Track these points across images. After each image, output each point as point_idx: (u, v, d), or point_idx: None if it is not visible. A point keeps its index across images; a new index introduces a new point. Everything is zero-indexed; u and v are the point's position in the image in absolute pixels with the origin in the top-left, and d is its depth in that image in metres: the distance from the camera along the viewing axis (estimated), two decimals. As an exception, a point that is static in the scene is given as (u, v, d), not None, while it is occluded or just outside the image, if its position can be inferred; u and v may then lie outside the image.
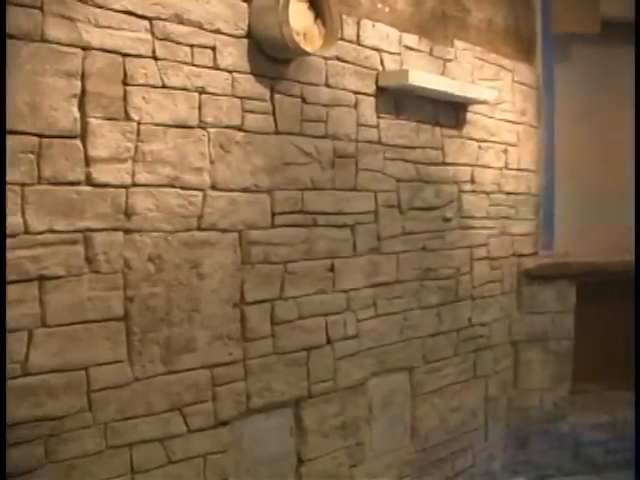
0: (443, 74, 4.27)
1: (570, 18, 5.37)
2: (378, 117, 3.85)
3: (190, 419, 3.03)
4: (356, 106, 3.72)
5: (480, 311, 4.71)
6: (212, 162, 3.04)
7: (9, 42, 2.37)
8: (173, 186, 2.90)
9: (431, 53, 4.20)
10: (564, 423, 5.34)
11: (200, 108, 2.99)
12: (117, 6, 2.68)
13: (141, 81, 2.78)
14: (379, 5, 3.85)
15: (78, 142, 2.59)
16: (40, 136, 2.48)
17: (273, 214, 3.31)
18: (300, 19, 3.26)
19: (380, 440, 4.03)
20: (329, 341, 3.63)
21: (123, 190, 2.73)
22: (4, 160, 2.42)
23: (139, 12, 2.76)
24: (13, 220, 2.43)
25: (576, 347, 5.34)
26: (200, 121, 2.99)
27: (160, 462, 2.94)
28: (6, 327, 2.43)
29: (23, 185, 2.45)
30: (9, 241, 2.41)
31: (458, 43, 4.42)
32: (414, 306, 4.16)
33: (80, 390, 2.65)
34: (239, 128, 3.15)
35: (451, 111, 4.37)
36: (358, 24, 3.72)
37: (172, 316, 2.92)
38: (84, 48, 2.59)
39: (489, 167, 4.73)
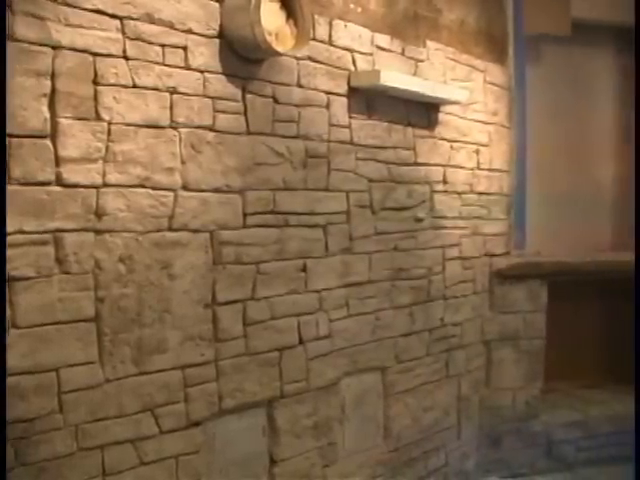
0: (415, 74, 4.28)
1: (541, 19, 5.41)
2: (350, 117, 3.86)
3: (162, 420, 3.02)
4: (328, 106, 3.72)
5: (452, 311, 4.72)
6: (183, 162, 3.03)
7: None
8: (144, 186, 2.88)
9: (403, 53, 4.21)
10: (536, 422, 5.37)
11: (171, 108, 2.98)
12: (87, 5, 2.67)
13: (112, 81, 2.76)
14: (351, 5, 3.85)
15: (48, 142, 2.58)
16: (10, 136, 2.45)
17: (245, 214, 3.30)
18: (272, 19, 3.26)
19: (353, 440, 4.04)
20: (301, 341, 3.63)
21: (94, 190, 2.72)
22: (4, 160, 2.42)
23: (110, 11, 2.74)
24: (-18, 221, 2.41)
25: (548, 346, 5.37)
26: (171, 121, 2.98)
27: (132, 464, 2.93)
28: (6, 327, 2.44)
29: (-8, 185, 2.43)
30: (-22, 242, 2.39)
31: (430, 44, 4.42)
32: (386, 306, 4.16)
33: (51, 392, 2.63)
34: (210, 128, 3.14)
35: (423, 111, 4.38)
36: (330, 24, 3.72)
37: (143, 317, 2.91)
38: (54, 47, 2.57)
39: (461, 167, 4.75)
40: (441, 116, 4.52)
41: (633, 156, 5.41)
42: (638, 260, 4.36)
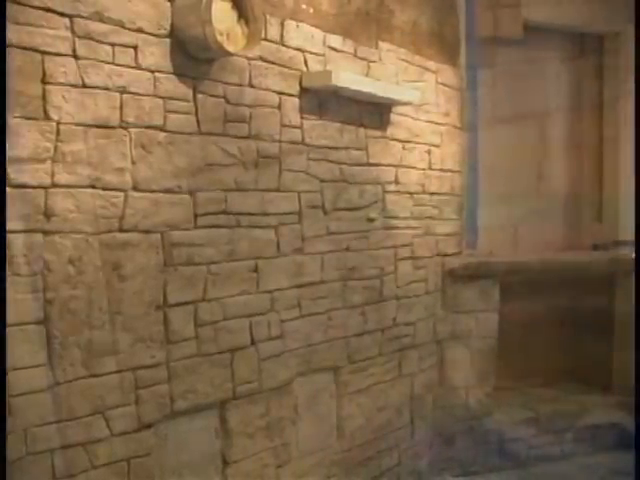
0: (367, 75, 4.29)
1: (493, 21, 5.46)
2: (302, 118, 3.85)
3: (113, 423, 3.00)
4: (280, 107, 3.71)
5: (405, 311, 4.74)
6: (134, 163, 3.01)
7: None
8: (94, 187, 2.86)
9: (355, 54, 4.22)
10: (489, 420, 5.41)
11: (121, 108, 2.96)
12: (36, 2, 2.64)
13: (61, 80, 2.74)
14: (303, 6, 3.85)
15: (-5, 142, 2.55)
16: (-45, 136, 2.43)
17: (196, 215, 3.29)
18: (223, 19, 3.25)
19: (306, 440, 4.04)
20: (253, 342, 3.62)
21: (42, 191, 2.69)
22: (4, 159, 2.42)
23: (59, 9, 2.72)
24: None
25: (500, 345, 5.41)
26: (121, 121, 2.96)
27: (83, 467, 2.90)
28: (6, 327, 2.42)
29: (-62, 186, 2.40)
30: None
31: (382, 44, 4.43)
32: (339, 306, 4.17)
33: (-1, 395, 2.60)
34: (161, 128, 3.12)
35: (375, 112, 4.39)
36: (282, 24, 3.72)
37: (93, 319, 2.89)
38: (1, 46, 2.55)
39: (413, 168, 4.77)
40: (393, 117, 4.54)
41: (633, 155, 5.46)
42: (638, 259, 4.40)
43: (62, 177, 2.75)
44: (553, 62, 6.14)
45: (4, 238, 2.45)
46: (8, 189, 2.57)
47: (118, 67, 2.94)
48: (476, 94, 5.50)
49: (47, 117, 2.70)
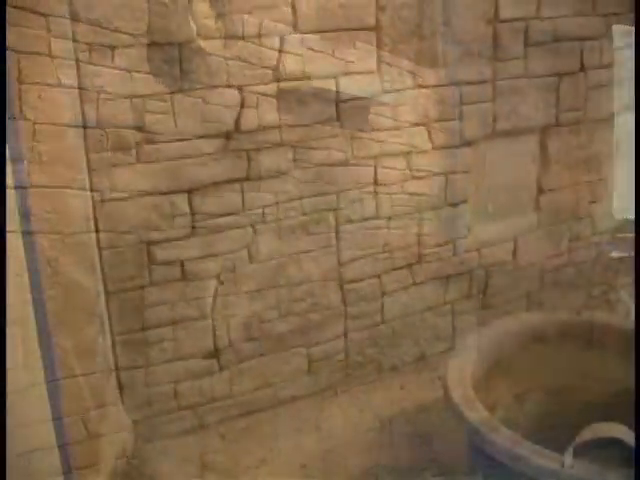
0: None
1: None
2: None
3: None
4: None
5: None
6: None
7: None
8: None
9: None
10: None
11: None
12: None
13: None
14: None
15: (-29, 142, 2.54)
16: None
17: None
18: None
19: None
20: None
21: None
22: (4, 160, 2.44)
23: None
24: None
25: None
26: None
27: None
28: (6, 327, 2.41)
29: None
30: None
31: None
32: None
33: (-25, 397, 2.59)
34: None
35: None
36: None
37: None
38: (-24, 45, 2.54)
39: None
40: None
41: (633, 155, 5.48)
42: (638, 262, 4.41)
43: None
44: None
45: (4, 238, 2.44)
46: (-16, 190, 2.57)
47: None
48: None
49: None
